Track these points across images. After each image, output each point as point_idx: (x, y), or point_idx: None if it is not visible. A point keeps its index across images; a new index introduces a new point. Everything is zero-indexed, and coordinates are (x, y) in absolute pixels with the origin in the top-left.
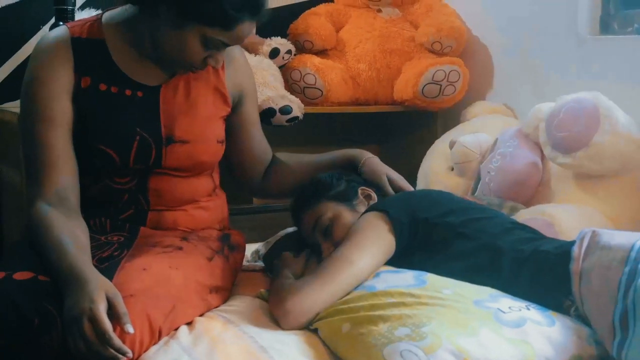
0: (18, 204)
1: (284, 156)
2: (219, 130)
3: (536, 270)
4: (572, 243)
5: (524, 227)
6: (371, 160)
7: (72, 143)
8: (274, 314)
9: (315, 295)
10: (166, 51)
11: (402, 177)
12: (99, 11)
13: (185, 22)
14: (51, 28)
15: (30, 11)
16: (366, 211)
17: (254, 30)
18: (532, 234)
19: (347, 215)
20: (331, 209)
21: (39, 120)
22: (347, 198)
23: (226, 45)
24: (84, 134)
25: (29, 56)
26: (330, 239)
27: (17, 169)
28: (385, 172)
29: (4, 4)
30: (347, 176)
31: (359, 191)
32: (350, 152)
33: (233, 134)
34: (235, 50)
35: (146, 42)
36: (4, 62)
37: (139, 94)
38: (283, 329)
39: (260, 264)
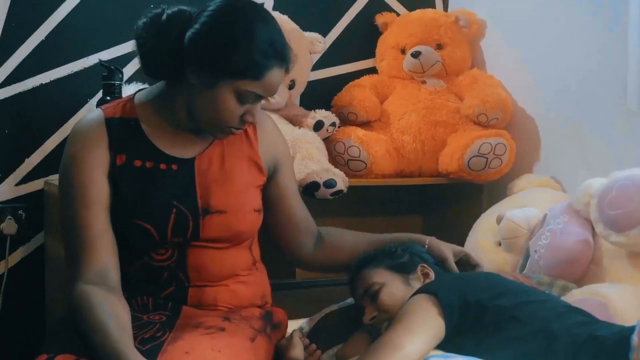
0: (61, 276)
1: (338, 230)
2: (256, 199)
3: (593, 358)
4: (631, 329)
5: (577, 310)
6: (435, 240)
7: (110, 222)
8: None
9: None
10: (203, 115)
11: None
12: (146, 85)
13: (217, 80)
14: (98, 102)
15: (79, 85)
16: (416, 292)
17: (283, 78)
18: (586, 317)
19: (398, 286)
20: (385, 277)
21: (76, 201)
22: (405, 270)
23: (260, 97)
24: (122, 211)
25: None
26: (375, 304)
27: (62, 241)
28: (452, 248)
29: (54, 77)
30: (412, 250)
31: (419, 267)
32: (414, 235)
33: (273, 204)
34: (268, 121)
35: (180, 114)
36: (52, 134)
37: (174, 167)
38: None
39: (305, 340)
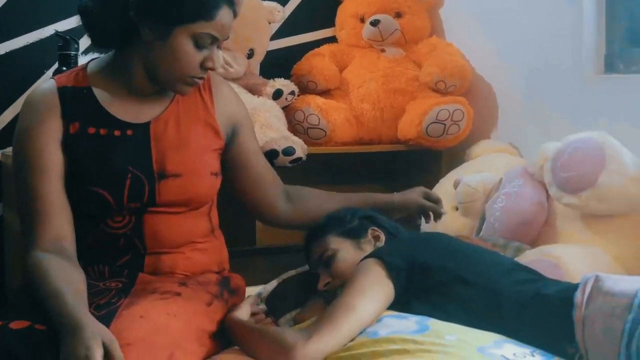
0: (20, 247)
1: (307, 190)
2: (213, 163)
3: (538, 315)
4: (575, 287)
5: (525, 269)
6: (400, 195)
7: (64, 190)
8: (277, 355)
9: (322, 343)
10: (163, 70)
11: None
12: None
13: (171, 28)
14: (54, 73)
15: (34, 57)
16: (364, 258)
17: (233, 20)
18: (533, 276)
19: (350, 251)
20: (336, 243)
21: (30, 171)
22: (355, 235)
23: (215, 39)
24: (77, 179)
25: None
26: (328, 271)
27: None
28: (418, 193)
29: (8, 49)
30: (361, 214)
31: (369, 231)
32: (379, 195)
33: (236, 167)
34: (224, 85)
35: (138, 78)
36: (7, 107)
37: (129, 132)
38: None
39: (260, 306)
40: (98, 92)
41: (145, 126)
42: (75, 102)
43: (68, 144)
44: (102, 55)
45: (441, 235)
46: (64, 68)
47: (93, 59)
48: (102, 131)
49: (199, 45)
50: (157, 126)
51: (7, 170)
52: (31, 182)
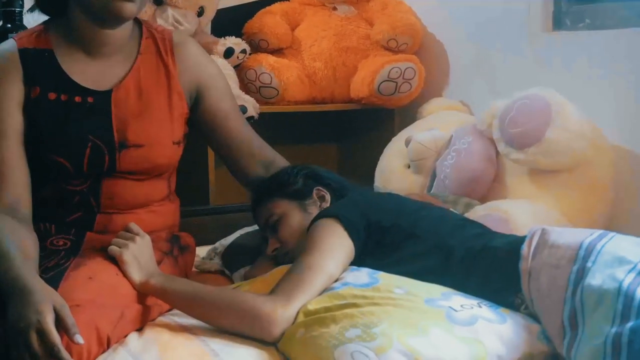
0: None
1: None
2: (175, 131)
3: (486, 268)
4: (522, 240)
5: (474, 224)
6: None
7: (24, 154)
8: (252, 325)
9: (296, 307)
10: None
11: None
12: None
13: None
14: None
15: None
16: (318, 217)
17: None
18: (481, 230)
19: (295, 214)
20: (282, 207)
21: None
22: (300, 197)
23: None
24: (36, 145)
25: None
26: (276, 235)
27: None
28: None
29: None
30: (306, 172)
31: (314, 192)
32: None
33: (208, 129)
34: (188, 44)
35: (82, 23)
36: None
37: (90, 99)
38: (266, 340)
39: (214, 262)
40: (60, 56)
41: (107, 94)
42: (37, 65)
43: (28, 109)
44: None
45: (392, 194)
46: (9, 25)
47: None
48: (62, 97)
49: None
50: (118, 94)
51: None
52: None
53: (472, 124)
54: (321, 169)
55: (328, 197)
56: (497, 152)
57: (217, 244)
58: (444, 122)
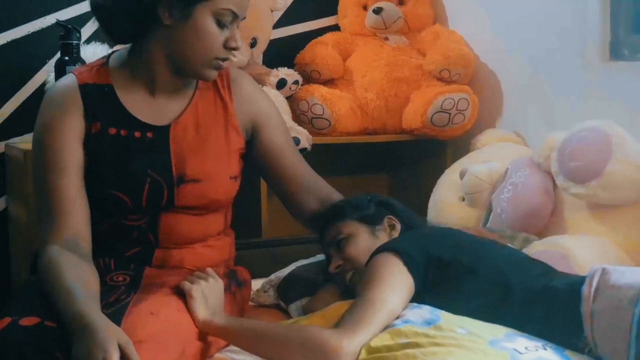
0: (25, 240)
1: None
2: (232, 166)
3: (547, 308)
4: (583, 280)
5: (535, 262)
6: None
7: (84, 189)
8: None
9: (360, 340)
10: (187, 53)
11: None
12: (105, 45)
13: (190, 6)
14: (56, 63)
15: (36, 46)
16: (378, 250)
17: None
18: (543, 269)
19: (365, 236)
20: (352, 228)
21: (50, 168)
22: (371, 222)
23: (236, 16)
24: (96, 179)
25: (34, 92)
26: (341, 254)
27: (24, 204)
28: None
29: (9, 39)
30: (379, 200)
31: (385, 219)
32: None
33: (262, 164)
34: (244, 79)
35: (159, 68)
36: (10, 98)
37: (149, 134)
38: None
39: (269, 294)
40: (119, 90)
41: (165, 129)
42: (97, 100)
43: (89, 144)
44: (122, 49)
45: (452, 229)
46: (66, 58)
47: (114, 52)
48: (122, 132)
49: (220, 24)
50: (176, 129)
51: (11, 161)
52: (51, 179)
53: (528, 156)
54: (393, 200)
55: (398, 226)
56: (555, 186)
57: (272, 276)
58: (498, 154)
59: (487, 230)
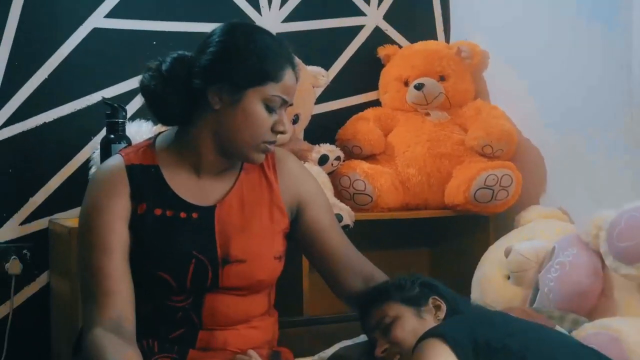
0: (67, 316)
1: None
2: (277, 246)
3: None
4: None
5: (586, 349)
6: None
7: (129, 270)
8: None
9: None
10: (235, 136)
11: None
12: (149, 122)
13: (242, 91)
14: (102, 141)
15: (82, 123)
16: (424, 336)
17: (296, 83)
18: (595, 357)
19: (410, 319)
20: (397, 310)
21: (96, 249)
22: (416, 303)
23: (284, 102)
24: (141, 260)
25: (79, 168)
26: (387, 337)
27: (67, 280)
28: None
29: (57, 116)
30: (422, 280)
31: (430, 300)
32: None
33: (306, 243)
34: (288, 159)
35: (205, 151)
36: (55, 174)
37: (194, 215)
38: None
39: None
40: (166, 171)
41: (211, 209)
42: (143, 181)
43: (134, 225)
44: (169, 131)
45: (501, 313)
46: (112, 136)
47: (161, 133)
48: (168, 213)
49: (269, 109)
50: (221, 210)
51: (55, 237)
52: (96, 260)
53: (574, 234)
54: (436, 280)
55: (444, 307)
56: (604, 265)
57: (316, 357)
58: (543, 231)
59: (534, 311)
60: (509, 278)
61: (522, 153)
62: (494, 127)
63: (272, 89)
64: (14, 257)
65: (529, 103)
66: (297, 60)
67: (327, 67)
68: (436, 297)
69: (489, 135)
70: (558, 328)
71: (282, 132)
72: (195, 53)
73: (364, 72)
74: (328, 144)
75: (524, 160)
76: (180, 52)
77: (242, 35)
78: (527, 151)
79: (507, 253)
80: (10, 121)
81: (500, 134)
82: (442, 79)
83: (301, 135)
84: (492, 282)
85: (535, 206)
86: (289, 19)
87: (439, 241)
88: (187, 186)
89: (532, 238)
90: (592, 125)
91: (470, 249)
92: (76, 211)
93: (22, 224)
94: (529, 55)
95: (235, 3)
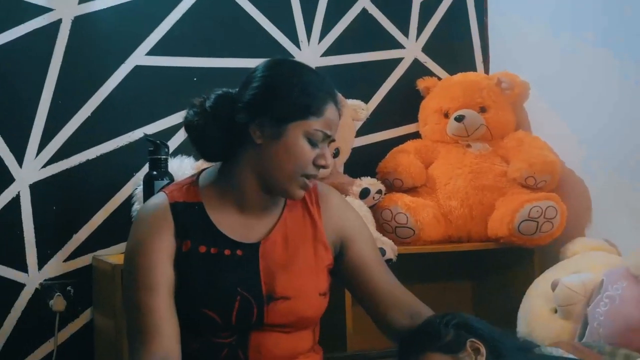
0: (111, 354)
1: None
2: (321, 282)
3: None
4: None
5: None
6: None
7: (174, 307)
8: None
9: None
10: (278, 170)
11: None
12: (191, 158)
13: (285, 125)
14: (145, 178)
15: (125, 159)
16: None
17: (339, 118)
18: None
19: None
20: None
21: (141, 287)
22: (454, 350)
23: (327, 136)
24: (186, 298)
25: (121, 204)
26: None
27: (111, 316)
28: None
29: (100, 153)
30: (457, 321)
31: (468, 344)
32: None
33: (350, 279)
34: (332, 195)
35: (248, 187)
36: (98, 210)
37: (239, 252)
38: None
39: None
40: (209, 208)
41: (255, 246)
42: (188, 219)
43: (179, 262)
44: (212, 167)
45: (546, 356)
46: (154, 172)
47: (204, 170)
48: (212, 250)
49: (312, 143)
50: (265, 246)
51: (98, 273)
52: (142, 298)
53: (623, 267)
54: (472, 318)
55: (483, 350)
56: None
57: None
58: (590, 263)
59: (583, 346)
60: (556, 312)
61: (566, 184)
62: (536, 158)
63: (314, 124)
64: (58, 294)
65: (570, 132)
66: (340, 96)
67: (366, 100)
68: (474, 340)
69: (531, 167)
70: None
71: (324, 167)
72: (238, 89)
73: (404, 105)
74: (369, 177)
75: (568, 191)
76: (224, 89)
77: (285, 71)
78: (570, 182)
79: (554, 286)
80: (54, 159)
81: (543, 165)
82: (482, 110)
83: (341, 168)
84: (539, 317)
85: (581, 238)
86: (328, 52)
87: (482, 274)
88: (231, 223)
89: (578, 271)
90: (637, 155)
91: (514, 282)
92: (119, 247)
93: (65, 260)
94: (570, 85)
95: (274, 38)
